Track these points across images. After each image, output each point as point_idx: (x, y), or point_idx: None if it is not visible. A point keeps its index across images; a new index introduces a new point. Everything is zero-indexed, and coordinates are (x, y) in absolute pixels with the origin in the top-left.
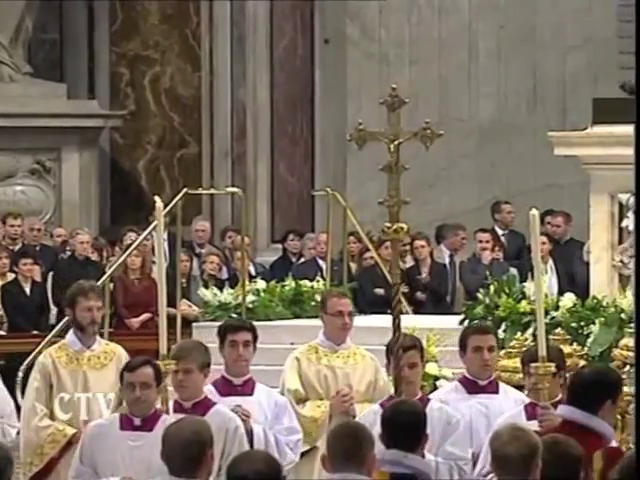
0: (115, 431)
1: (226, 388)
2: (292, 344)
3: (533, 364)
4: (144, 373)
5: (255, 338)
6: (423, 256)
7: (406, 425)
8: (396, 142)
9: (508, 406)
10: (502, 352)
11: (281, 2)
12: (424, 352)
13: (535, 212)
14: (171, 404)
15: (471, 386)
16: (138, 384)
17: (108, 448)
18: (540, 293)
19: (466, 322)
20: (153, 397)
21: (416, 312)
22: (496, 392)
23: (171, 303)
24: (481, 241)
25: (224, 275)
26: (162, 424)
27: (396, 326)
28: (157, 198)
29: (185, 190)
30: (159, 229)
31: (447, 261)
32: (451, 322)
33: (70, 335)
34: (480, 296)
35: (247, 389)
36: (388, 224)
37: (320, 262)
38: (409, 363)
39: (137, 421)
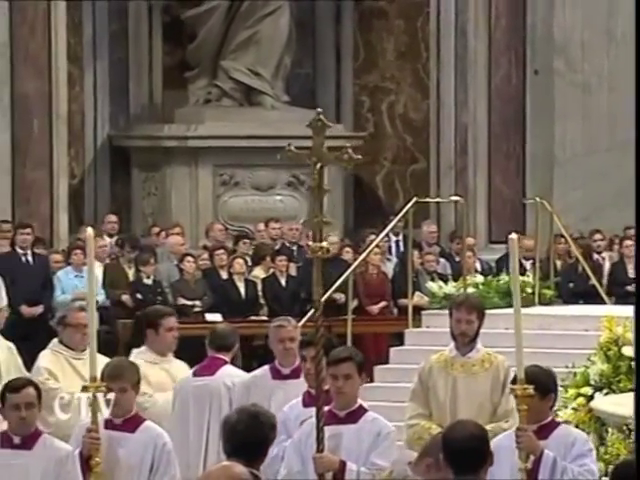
0: None
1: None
2: (507, 329)
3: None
4: (28, 393)
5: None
6: (632, 254)
7: (468, 449)
8: (318, 165)
9: None
10: None
11: (498, 39)
12: (363, 366)
13: (514, 236)
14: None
15: None
16: (23, 404)
17: None
18: (519, 313)
19: None
20: (35, 416)
21: (624, 303)
22: None
23: (404, 294)
24: None
25: (447, 270)
26: (42, 443)
27: (318, 338)
28: (89, 228)
29: (415, 199)
30: (90, 256)
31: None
32: None
33: (451, 343)
34: None
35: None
36: (310, 242)
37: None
38: (343, 374)
39: (17, 439)
